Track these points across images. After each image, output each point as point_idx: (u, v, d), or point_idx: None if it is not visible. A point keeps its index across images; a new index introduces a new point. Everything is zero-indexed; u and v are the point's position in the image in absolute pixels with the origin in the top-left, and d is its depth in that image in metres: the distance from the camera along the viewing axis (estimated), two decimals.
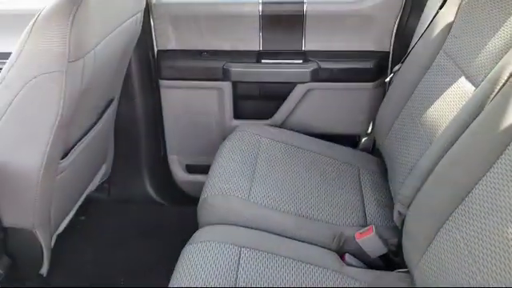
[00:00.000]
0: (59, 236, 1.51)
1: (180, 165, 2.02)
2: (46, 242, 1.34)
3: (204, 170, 1.68)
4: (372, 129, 1.86)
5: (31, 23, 1.05)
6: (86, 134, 1.44)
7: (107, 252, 1.79)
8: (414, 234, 1.14)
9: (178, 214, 1.91)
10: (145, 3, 1.56)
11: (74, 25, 1.04)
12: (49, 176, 1.24)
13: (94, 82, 1.26)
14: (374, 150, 1.85)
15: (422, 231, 1.09)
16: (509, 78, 1.01)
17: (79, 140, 1.40)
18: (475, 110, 1.08)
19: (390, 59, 1.77)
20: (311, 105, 1.84)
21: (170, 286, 1.13)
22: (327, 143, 1.72)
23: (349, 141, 1.89)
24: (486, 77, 1.12)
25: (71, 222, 1.58)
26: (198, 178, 1.96)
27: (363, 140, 1.93)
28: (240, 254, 1.18)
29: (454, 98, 1.25)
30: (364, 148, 1.89)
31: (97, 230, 1.88)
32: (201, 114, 1.91)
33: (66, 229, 1.54)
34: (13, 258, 1.33)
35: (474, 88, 1.17)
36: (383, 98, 1.66)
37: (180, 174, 2.02)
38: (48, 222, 1.34)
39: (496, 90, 1.04)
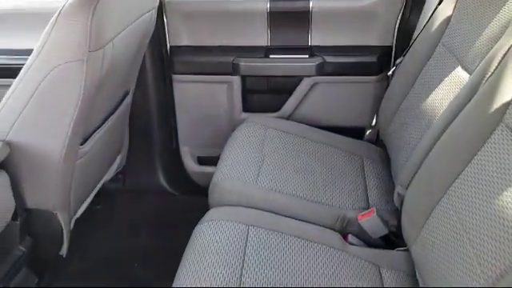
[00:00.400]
0: (77, 222, 1.59)
1: (191, 156, 2.11)
2: (65, 223, 1.43)
3: (214, 161, 1.75)
4: (376, 120, 1.93)
5: (55, 15, 1.14)
6: (103, 123, 1.53)
7: (122, 238, 1.88)
8: (411, 212, 1.20)
9: (189, 203, 1.98)
10: (158, 1, 1.64)
11: (95, 17, 1.13)
12: (69, 160, 1.33)
13: (112, 72, 1.35)
14: (378, 142, 1.92)
15: (419, 209, 1.16)
16: (500, 62, 1.08)
17: (97, 129, 1.49)
18: (468, 95, 1.14)
19: (393, 53, 1.84)
20: (317, 98, 1.92)
21: (182, 261, 1.21)
22: (332, 134, 1.80)
23: (354, 133, 1.95)
24: (479, 64, 1.19)
25: (88, 210, 1.67)
26: (209, 169, 2.03)
27: (368, 132, 2.00)
28: (248, 231, 1.25)
29: (451, 87, 1.32)
30: (368, 140, 1.95)
31: (112, 218, 1.97)
32: (211, 107, 1.99)
33: (82, 216, 1.63)
34: (35, 239, 1.41)
35: (468, 75, 1.24)
36: (386, 90, 1.73)
37: (191, 165, 2.11)
38: (68, 205, 1.42)
39: (488, 75, 1.11)
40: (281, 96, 1.95)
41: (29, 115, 1.22)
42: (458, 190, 1.03)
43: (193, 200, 1.89)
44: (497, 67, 1.09)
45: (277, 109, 1.96)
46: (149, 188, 2.10)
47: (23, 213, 1.34)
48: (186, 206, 2.02)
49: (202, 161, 2.11)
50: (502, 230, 0.85)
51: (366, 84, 1.88)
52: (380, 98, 1.76)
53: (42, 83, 1.18)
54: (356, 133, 1.97)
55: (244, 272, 1.14)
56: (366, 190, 1.51)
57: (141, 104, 1.93)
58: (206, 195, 1.50)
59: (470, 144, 1.03)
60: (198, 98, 1.98)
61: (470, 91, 1.15)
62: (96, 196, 1.74)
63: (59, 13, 1.14)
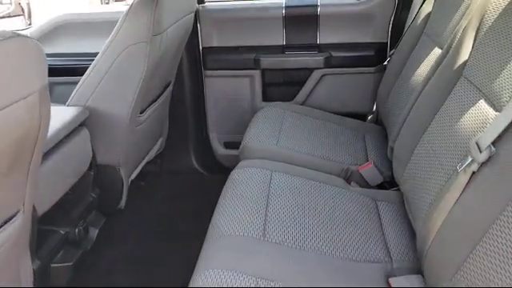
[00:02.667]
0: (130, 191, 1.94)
1: (219, 141, 2.47)
2: (125, 179, 1.79)
3: (238, 145, 2.07)
4: (375, 104, 2.29)
5: (127, 9, 1.54)
6: (153, 102, 1.91)
7: (163, 205, 2.23)
8: (398, 155, 1.55)
9: (217, 181, 2.33)
10: (195, 6, 2.05)
11: (157, 9, 1.53)
12: (131, 125, 1.70)
13: (162, 60, 1.74)
14: (377, 123, 2.26)
15: (404, 151, 1.50)
16: (461, 35, 1.43)
17: (150, 105, 1.87)
18: (438, 63, 1.50)
19: (388, 48, 2.22)
20: (325, 87, 2.29)
21: (220, 199, 1.54)
22: (339, 116, 2.15)
23: (358, 118, 2.31)
24: (452, 39, 1.55)
25: (133, 186, 2.00)
26: (234, 152, 2.38)
27: (369, 117, 2.35)
28: (271, 175, 1.60)
29: (429, 62, 1.68)
30: (370, 122, 2.31)
31: (154, 191, 2.32)
32: (236, 98, 2.37)
33: (129, 191, 1.95)
34: (102, 190, 1.77)
35: (440, 50, 1.60)
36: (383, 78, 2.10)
37: (219, 149, 2.47)
38: (128, 163, 1.79)
39: (453, 46, 1.46)
40: (295, 87, 2.33)
41: (104, 86, 1.61)
42: (435, 131, 1.37)
43: (220, 177, 2.24)
44: (459, 38, 1.45)
45: (291, 98, 2.33)
46: (182, 169, 2.47)
47: (95, 166, 1.71)
48: (214, 183, 2.36)
49: (227, 145, 2.48)
50: (453, 143, 1.19)
51: (366, 74, 2.25)
52: (378, 86, 2.12)
53: (116, 60, 1.57)
54: (359, 118, 2.33)
55: (269, 205, 1.46)
56: (366, 152, 1.85)
57: (178, 96, 2.32)
58: None
59: (439, 95, 1.39)
60: (225, 90, 2.37)
61: (440, 60, 1.51)
62: (139, 174, 2.09)
63: (130, 7, 1.54)
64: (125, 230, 2.01)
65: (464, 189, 1.06)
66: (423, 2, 1.95)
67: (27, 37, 0.98)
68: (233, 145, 2.46)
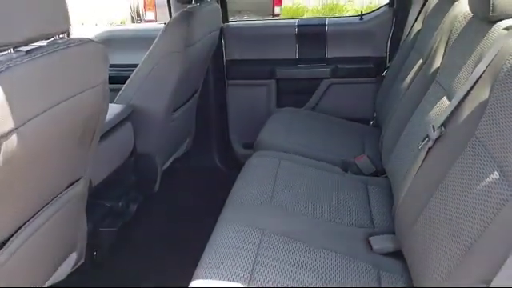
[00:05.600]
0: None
1: (239, 142, 2.82)
2: (160, 167, 2.15)
3: None
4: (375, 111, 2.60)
5: (166, 24, 1.91)
6: (183, 104, 2.28)
7: (190, 196, 2.57)
8: (386, 145, 1.87)
9: (236, 177, 2.68)
10: (221, 23, 2.43)
11: (189, 26, 1.90)
12: (166, 120, 2.06)
13: (192, 68, 2.10)
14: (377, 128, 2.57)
15: (389, 141, 1.82)
16: (435, 45, 1.75)
17: (181, 106, 2.23)
18: (419, 70, 1.82)
19: (387, 61, 2.55)
20: (332, 95, 2.63)
21: (237, 179, 1.87)
22: (342, 120, 2.48)
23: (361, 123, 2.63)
24: (430, 52, 1.85)
25: (165, 177, 2.34)
26: (252, 152, 2.73)
27: (371, 122, 2.67)
28: (280, 162, 1.93)
29: (413, 71, 1.99)
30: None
31: (181, 183, 2.67)
32: (254, 104, 2.73)
33: (161, 180, 2.28)
34: (139, 175, 2.13)
35: (421, 60, 1.92)
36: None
37: (239, 149, 2.82)
38: (162, 154, 2.15)
39: (430, 55, 1.78)
40: (305, 95, 2.67)
41: (145, 87, 1.98)
42: (410, 123, 1.69)
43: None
44: (434, 51, 1.78)
45: (302, 104, 2.67)
46: (206, 166, 2.82)
47: (135, 154, 2.07)
48: (233, 178, 2.70)
49: (246, 146, 2.82)
50: (421, 130, 1.51)
51: (368, 84, 2.58)
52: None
53: (155, 66, 1.94)
54: (362, 122, 2.64)
55: (276, 184, 1.78)
56: (363, 148, 2.17)
57: (204, 102, 2.68)
58: None
59: (417, 97, 1.72)
60: (245, 97, 2.73)
61: (420, 66, 1.83)
62: (169, 170, 2.43)
63: (168, 23, 1.92)
64: (157, 210, 2.36)
65: (423, 160, 1.37)
66: (414, 22, 2.28)
67: (97, 42, 1.35)
68: (251, 145, 2.79)
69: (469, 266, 0.96)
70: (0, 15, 0.99)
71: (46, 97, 1.12)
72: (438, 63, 1.69)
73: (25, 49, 1.08)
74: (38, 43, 1.15)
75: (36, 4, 1.08)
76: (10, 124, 0.98)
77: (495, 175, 1.01)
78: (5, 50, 1.03)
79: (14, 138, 1.01)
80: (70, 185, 1.45)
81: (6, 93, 0.96)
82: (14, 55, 1.04)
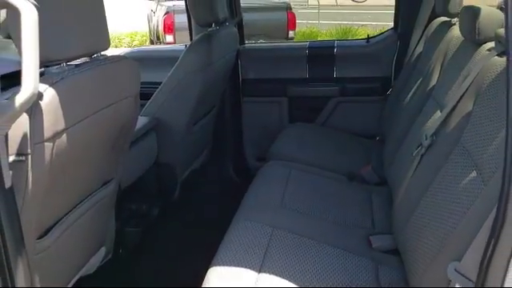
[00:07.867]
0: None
1: (253, 156, 3.00)
2: (179, 177, 2.33)
3: None
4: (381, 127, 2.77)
5: (189, 45, 2.12)
6: (202, 118, 2.47)
7: (205, 203, 2.74)
8: (387, 155, 2.03)
9: None
10: (238, 46, 2.64)
11: (209, 47, 2.11)
12: (187, 133, 2.26)
13: (210, 86, 2.30)
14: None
15: (390, 153, 1.99)
16: (432, 64, 1.93)
17: (199, 120, 2.43)
18: (418, 87, 2.00)
19: (392, 80, 2.73)
20: (340, 113, 2.81)
21: (251, 184, 2.04)
22: (350, 135, 2.66)
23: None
24: (428, 71, 2.03)
25: (181, 189, 2.51)
26: None
27: (377, 138, 2.83)
28: (290, 171, 2.10)
29: (413, 89, 2.16)
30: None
31: (198, 193, 2.84)
32: (267, 120, 2.91)
33: (181, 189, 2.46)
34: (161, 183, 2.31)
35: (421, 78, 2.09)
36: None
37: (253, 162, 3.00)
38: (182, 164, 2.34)
39: (429, 73, 1.96)
40: (315, 112, 2.85)
41: (168, 102, 2.18)
42: (407, 137, 1.86)
43: None
44: (432, 68, 1.95)
45: (312, 121, 2.85)
46: (222, 177, 3.00)
47: (158, 164, 2.26)
48: (246, 189, 2.87)
49: (260, 158, 2.99)
50: (416, 140, 1.68)
51: (374, 102, 2.76)
52: None
53: (178, 83, 2.14)
54: (369, 138, 2.82)
55: (286, 190, 1.95)
56: (369, 161, 2.33)
57: (221, 117, 2.88)
58: None
59: (414, 113, 1.89)
60: (259, 113, 2.92)
61: (419, 84, 2.01)
62: (188, 182, 2.61)
63: (191, 44, 2.13)
64: (174, 216, 2.53)
65: (417, 166, 1.54)
66: (417, 45, 2.47)
67: (130, 59, 1.55)
68: (264, 158, 2.97)
69: (449, 248, 1.12)
70: (56, 36, 1.20)
71: (91, 104, 1.32)
72: (434, 81, 1.87)
73: (74, 63, 1.29)
74: (83, 59, 1.36)
75: (85, 27, 1.29)
76: (62, 124, 1.18)
77: (473, 174, 1.18)
78: (58, 64, 1.24)
79: (64, 136, 1.21)
80: (104, 184, 1.64)
81: (60, 99, 1.16)
82: (66, 68, 1.24)
